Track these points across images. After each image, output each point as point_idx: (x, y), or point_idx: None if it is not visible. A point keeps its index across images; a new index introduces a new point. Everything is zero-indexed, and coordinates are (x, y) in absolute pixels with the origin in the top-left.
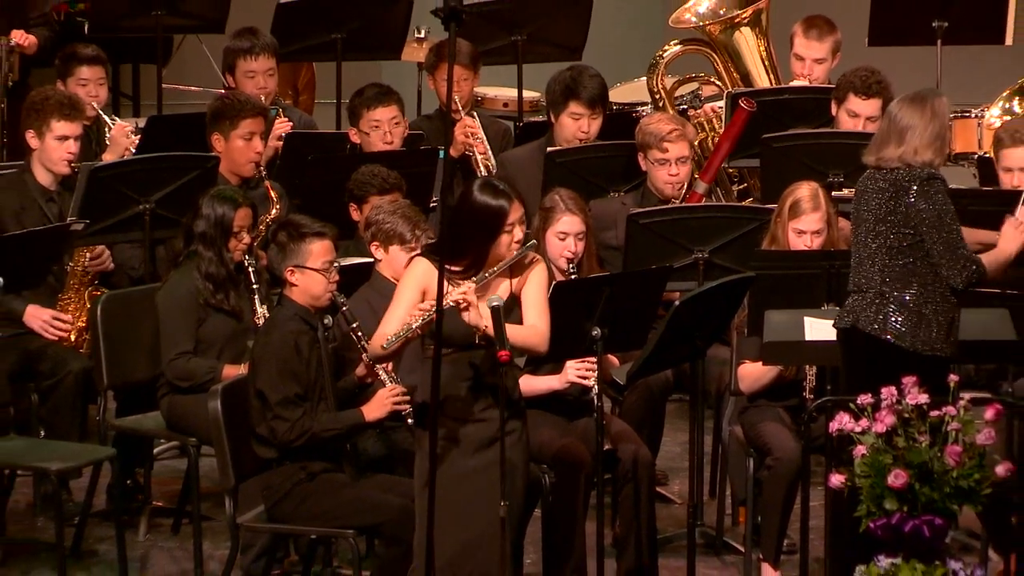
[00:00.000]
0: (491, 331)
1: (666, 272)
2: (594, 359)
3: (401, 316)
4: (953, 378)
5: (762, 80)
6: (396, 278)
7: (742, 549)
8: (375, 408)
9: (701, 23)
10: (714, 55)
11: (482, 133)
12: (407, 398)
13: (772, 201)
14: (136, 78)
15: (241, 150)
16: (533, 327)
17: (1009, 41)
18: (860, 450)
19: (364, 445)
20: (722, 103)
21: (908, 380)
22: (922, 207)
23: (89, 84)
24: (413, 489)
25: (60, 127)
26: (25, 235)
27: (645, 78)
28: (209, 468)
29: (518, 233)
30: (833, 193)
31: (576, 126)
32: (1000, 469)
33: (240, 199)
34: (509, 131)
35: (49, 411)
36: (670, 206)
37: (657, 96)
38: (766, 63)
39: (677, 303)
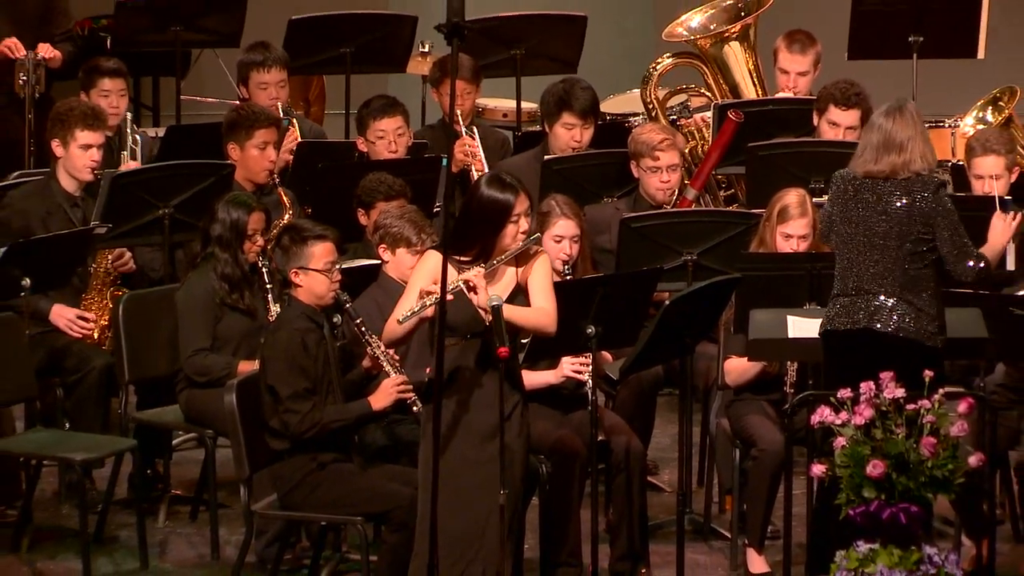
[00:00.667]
0: (512, 317)
1: (657, 273)
2: (589, 355)
3: (413, 300)
4: (928, 373)
5: (750, 92)
6: (403, 279)
7: (728, 535)
8: (381, 397)
9: (692, 37)
10: (704, 68)
11: (480, 151)
12: (411, 387)
13: (758, 206)
14: (156, 90)
15: (255, 158)
16: (541, 308)
17: (981, 55)
18: (840, 441)
19: (371, 438)
20: (710, 114)
21: (885, 375)
22: (939, 211)
23: (111, 95)
24: (417, 478)
25: (84, 136)
26: (51, 238)
27: (638, 90)
28: (225, 459)
29: (524, 224)
30: (814, 199)
31: (569, 136)
32: (972, 460)
33: (254, 204)
34: (508, 140)
35: (73, 405)
36: (661, 211)
37: (650, 107)
38: (754, 76)
39: (667, 303)
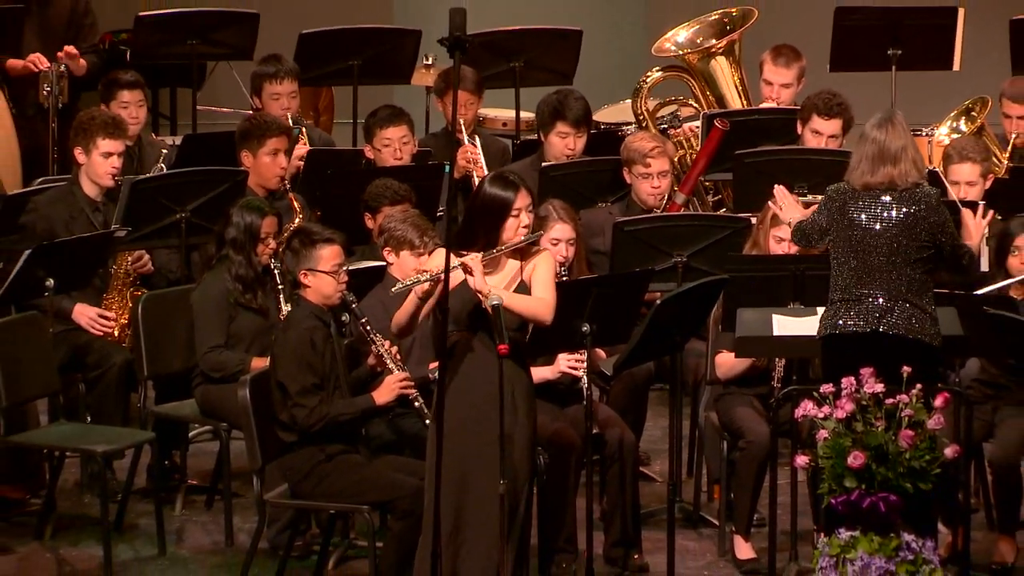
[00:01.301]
0: (478, 284)
1: (648, 274)
2: (584, 352)
3: (395, 290)
4: (905, 369)
5: (735, 103)
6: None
7: (717, 523)
8: (384, 393)
9: (680, 52)
10: (692, 80)
11: (482, 158)
12: (412, 384)
13: (744, 211)
14: (173, 100)
15: (267, 165)
16: (539, 298)
17: (956, 67)
18: (823, 434)
19: (376, 430)
20: (699, 123)
21: (865, 371)
22: (942, 220)
23: (130, 106)
24: (421, 469)
25: (105, 144)
26: (73, 241)
27: (630, 101)
28: (239, 450)
29: (524, 218)
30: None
31: (563, 144)
32: (948, 451)
33: (266, 209)
34: (508, 148)
35: (95, 399)
36: (652, 215)
37: (640, 117)
38: (739, 87)
39: (658, 302)
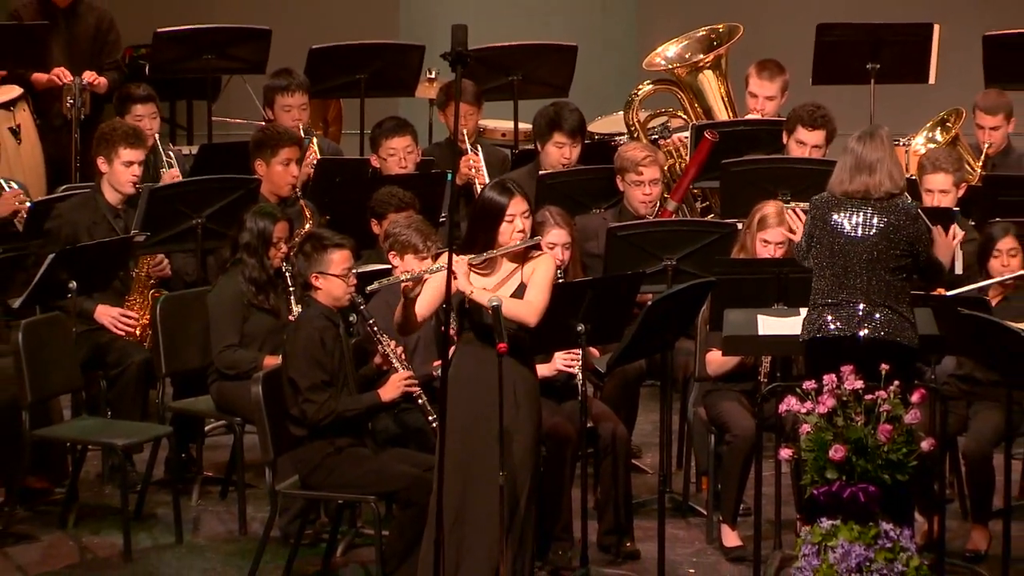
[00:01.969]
0: (476, 298)
1: (640, 277)
2: (579, 350)
3: (429, 296)
4: (884, 367)
5: (722, 114)
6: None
7: (705, 512)
8: (389, 390)
9: (670, 66)
10: (681, 93)
11: (483, 167)
12: (416, 382)
13: (731, 217)
14: (190, 112)
15: (280, 174)
16: (527, 302)
17: (932, 80)
18: (805, 428)
19: (383, 424)
20: (687, 134)
21: (846, 369)
22: (920, 238)
23: (143, 119)
24: (425, 461)
25: (127, 154)
26: (94, 245)
27: (622, 112)
28: (252, 443)
29: (519, 223)
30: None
31: (559, 153)
32: (925, 444)
33: (278, 215)
34: (507, 157)
35: (115, 395)
36: (644, 221)
37: (632, 128)
38: (725, 100)
39: (649, 303)
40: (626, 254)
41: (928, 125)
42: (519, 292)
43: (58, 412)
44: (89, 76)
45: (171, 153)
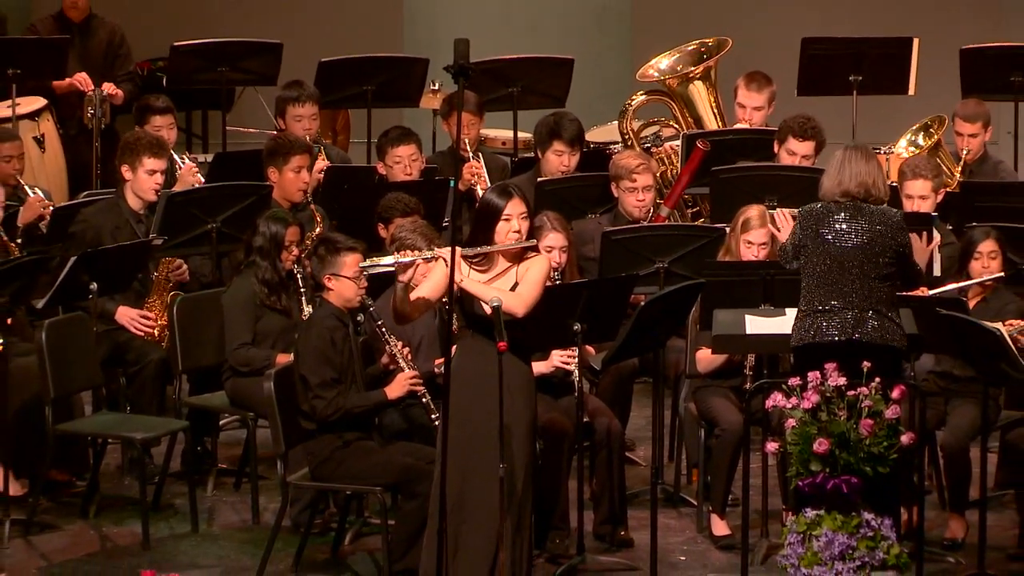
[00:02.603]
0: (466, 286)
1: (633, 279)
2: (575, 349)
3: (427, 287)
4: (865, 364)
5: (711, 124)
6: (414, 284)
7: (695, 502)
8: (396, 388)
9: (662, 77)
10: (672, 103)
11: (485, 173)
12: (421, 380)
13: (721, 222)
14: (205, 122)
15: (292, 180)
16: (516, 294)
17: (912, 91)
18: (791, 423)
19: (389, 419)
20: (679, 142)
21: (829, 366)
22: (904, 247)
23: (162, 129)
24: (429, 454)
25: (150, 163)
26: (113, 249)
27: (616, 122)
28: (264, 437)
29: (516, 224)
30: (770, 212)
31: (559, 161)
32: (904, 438)
33: (290, 219)
34: (507, 165)
35: (134, 391)
36: (637, 225)
37: (626, 137)
38: (715, 110)
39: (642, 304)
40: (620, 257)
41: (911, 129)
42: (512, 290)
43: (80, 408)
44: (108, 88)
45: (186, 159)
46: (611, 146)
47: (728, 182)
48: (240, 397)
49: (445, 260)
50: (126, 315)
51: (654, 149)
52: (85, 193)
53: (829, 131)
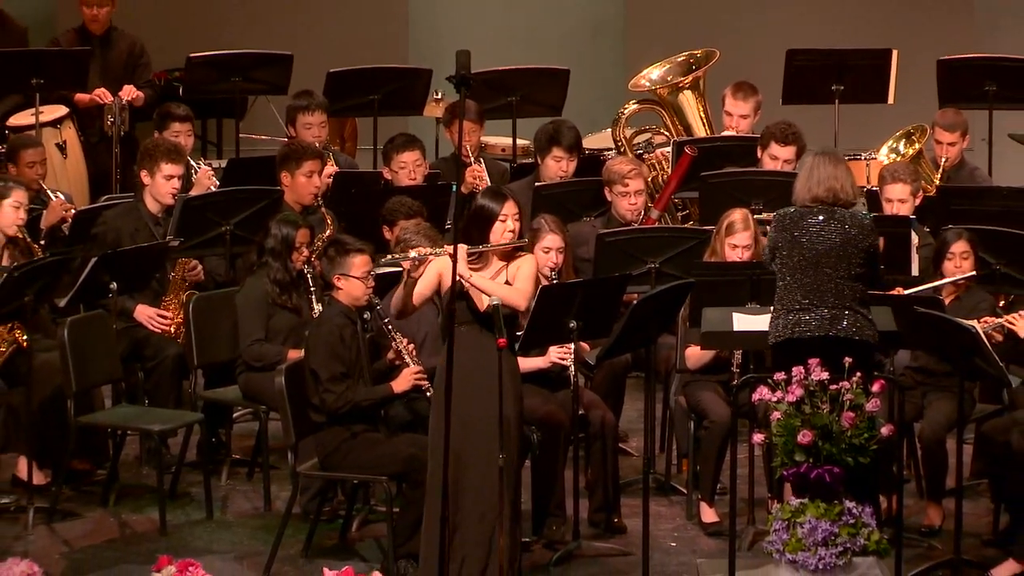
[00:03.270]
0: (474, 282)
1: (626, 279)
2: (571, 345)
3: (422, 282)
4: (847, 360)
5: (700, 131)
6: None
7: (685, 491)
8: (401, 383)
9: (653, 87)
10: (663, 112)
11: (487, 176)
12: (425, 375)
13: (709, 224)
14: (219, 129)
15: (303, 184)
16: (517, 290)
17: (891, 100)
18: (776, 415)
19: (395, 412)
20: (669, 149)
21: (813, 361)
22: (874, 242)
23: (180, 135)
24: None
25: (168, 168)
26: (133, 250)
27: (610, 129)
28: (276, 429)
29: (511, 224)
30: (755, 216)
31: (558, 167)
32: (884, 430)
33: (301, 222)
34: (507, 171)
35: (152, 385)
36: (630, 228)
37: (619, 143)
38: (703, 118)
39: (635, 302)
40: (614, 258)
41: (896, 135)
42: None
43: (100, 401)
44: (128, 92)
45: (202, 165)
46: (605, 152)
47: (716, 186)
48: (252, 391)
49: (451, 257)
50: (144, 313)
51: (646, 155)
52: (105, 197)
53: (812, 138)
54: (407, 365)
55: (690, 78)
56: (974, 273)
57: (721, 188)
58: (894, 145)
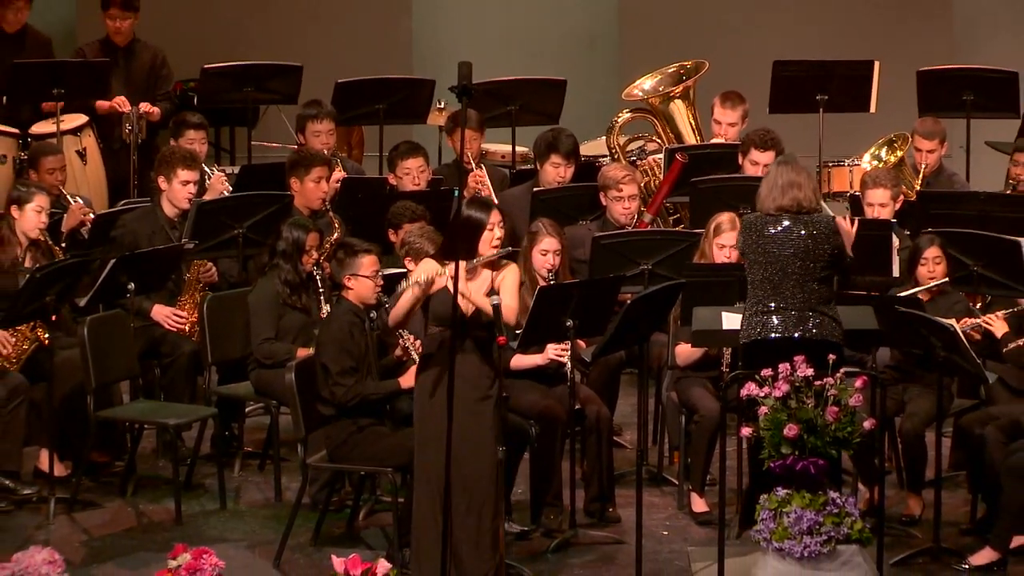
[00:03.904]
0: (475, 300)
1: (620, 279)
2: (568, 343)
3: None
4: (831, 357)
5: (690, 139)
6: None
7: (676, 482)
8: (408, 378)
9: (646, 97)
10: (655, 120)
11: (488, 181)
12: None
13: (699, 228)
14: (232, 137)
15: (312, 190)
16: (507, 307)
17: (873, 109)
18: (763, 410)
19: (400, 406)
20: (661, 155)
21: (799, 358)
22: (838, 242)
23: (195, 143)
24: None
25: (184, 174)
26: (150, 252)
27: (604, 137)
28: (286, 423)
29: (497, 232)
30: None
31: (556, 173)
32: (866, 424)
33: (310, 226)
34: (506, 176)
35: (168, 381)
36: (624, 231)
37: (613, 150)
38: (693, 126)
39: (629, 302)
40: (609, 260)
41: (878, 143)
42: (490, 291)
43: (118, 396)
44: (144, 107)
45: (216, 171)
46: (600, 159)
47: (705, 191)
48: (264, 387)
49: (451, 274)
50: (161, 312)
51: (639, 162)
52: (123, 202)
53: (797, 146)
54: (414, 362)
55: (681, 88)
56: (947, 279)
57: (710, 193)
58: (876, 152)
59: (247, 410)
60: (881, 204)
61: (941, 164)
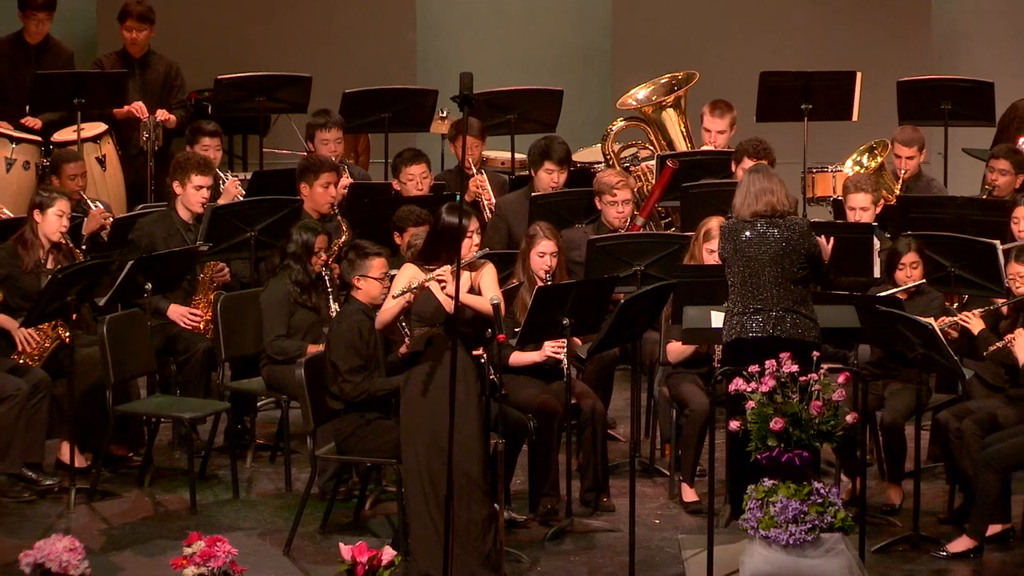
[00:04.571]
0: (469, 301)
1: (614, 280)
2: (564, 340)
3: (396, 296)
4: (815, 354)
5: (681, 146)
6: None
7: (668, 473)
8: None
9: (639, 106)
10: (648, 128)
11: (488, 186)
12: None
13: (689, 231)
14: (245, 144)
15: (321, 195)
16: (487, 299)
17: (855, 118)
18: (750, 404)
19: None
20: (653, 162)
21: (784, 355)
22: (812, 243)
23: (209, 149)
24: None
25: (198, 179)
26: (166, 254)
27: (599, 144)
28: (296, 417)
29: (476, 238)
30: None
31: (550, 179)
32: (849, 418)
33: (319, 229)
34: (506, 182)
35: (183, 377)
36: (618, 234)
37: (608, 157)
38: (684, 134)
39: (622, 302)
40: (603, 261)
41: (860, 149)
42: (472, 291)
43: (136, 391)
44: (161, 115)
45: (229, 177)
46: (595, 165)
47: (696, 196)
48: (275, 382)
49: (442, 277)
50: (176, 311)
51: (632, 168)
52: (141, 206)
53: (783, 152)
54: None
55: (672, 97)
56: (923, 281)
57: (700, 198)
58: (858, 158)
59: (259, 404)
60: (862, 208)
61: (920, 170)
